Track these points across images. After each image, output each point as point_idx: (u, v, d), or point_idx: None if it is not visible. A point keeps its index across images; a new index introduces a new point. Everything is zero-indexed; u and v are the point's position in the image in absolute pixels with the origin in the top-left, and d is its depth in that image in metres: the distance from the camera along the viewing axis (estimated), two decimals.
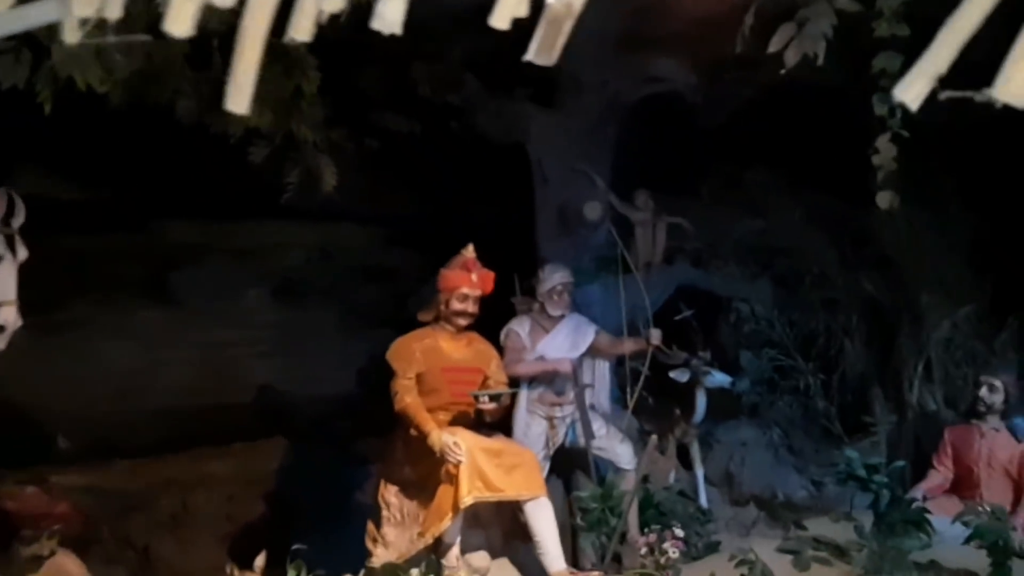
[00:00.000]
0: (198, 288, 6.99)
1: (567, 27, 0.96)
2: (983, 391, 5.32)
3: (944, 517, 4.66)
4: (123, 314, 6.77)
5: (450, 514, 3.97)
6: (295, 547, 3.92)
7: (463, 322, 4.39)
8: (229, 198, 6.18)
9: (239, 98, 1.03)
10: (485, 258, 4.51)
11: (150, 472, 6.23)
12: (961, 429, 5.45)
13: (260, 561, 4.07)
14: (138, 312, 6.87)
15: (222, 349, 6.94)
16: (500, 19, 0.99)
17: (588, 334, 5.24)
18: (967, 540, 4.22)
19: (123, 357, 6.64)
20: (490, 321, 4.90)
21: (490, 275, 4.45)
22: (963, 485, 5.33)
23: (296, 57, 4.34)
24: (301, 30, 1.03)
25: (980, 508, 4.39)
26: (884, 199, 3.32)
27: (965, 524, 4.25)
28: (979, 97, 0.91)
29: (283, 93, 4.38)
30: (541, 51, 0.97)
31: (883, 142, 3.11)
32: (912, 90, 0.92)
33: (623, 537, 4.73)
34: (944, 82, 1.00)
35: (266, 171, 4.79)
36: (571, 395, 5.10)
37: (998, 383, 5.29)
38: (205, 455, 6.40)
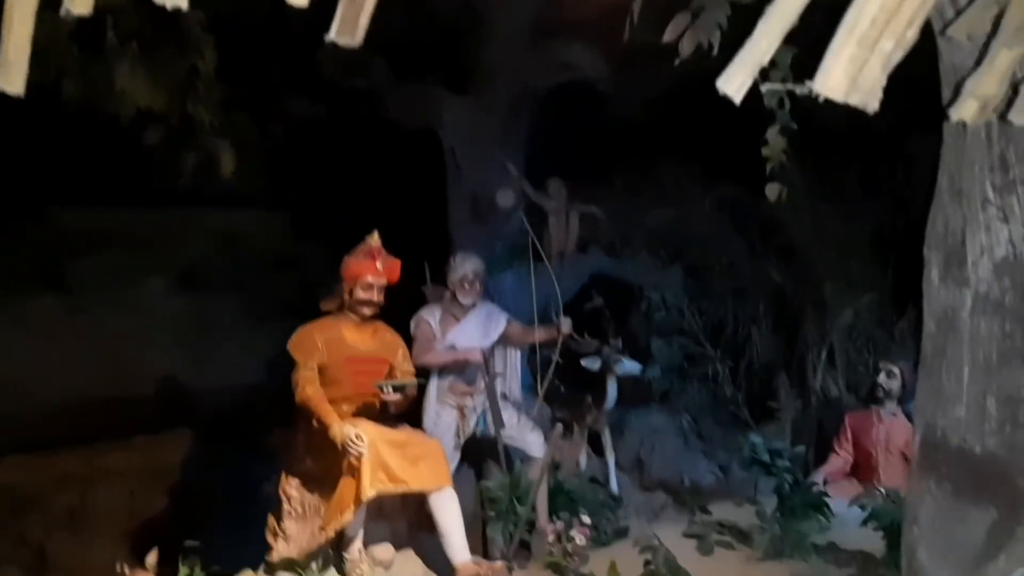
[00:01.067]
0: (96, 277, 6.76)
1: (369, 5, 0.89)
2: (881, 377, 5.46)
3: (843, 500, 4.79)
4: (16, 304, 6.49)
5: (352, 507, 3.88)
6: (187, 543, 3.79)
7: (368, 311, 4.28)
8: (127, 184, 5.95)
9: (11, 76, 0.95)
10: (395, 246, 4.41)
11: (45, 468, 5.98)
12: (860, 414, 5.59)
13: (152, 558, 3.93)
14: (33, 302, 6.60)
15: (122, 340, 6.72)
16: None
17: (499, 323, 5.20)
18: (864, 522, 4.32)
19: (17, 349, 6.35)
20: (401, 310, 4.82)
21: (396, 263, 4.35)
22: (862, 469, 5.48)
23: (192, 36, 4.19)
24: (79, 2, 0.96)
25: (877, 491, 4.51)
26: (773, 191, 3.36)
27: (862, 507, 4.36)
28: (800, 89, 0.89)
29: (178, 73, 4.22)
30: (343, 30, 0.91)
31: (772, 134, 3.15)
32: (734, 81, 0.90)
33: (532, 526, 4.73)
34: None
35: (164, 155, 4.62)
36: (482, 384, 5.06)
37: (896, 369, 5.44)
38: (105, 449, 6.18)
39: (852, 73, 1.00)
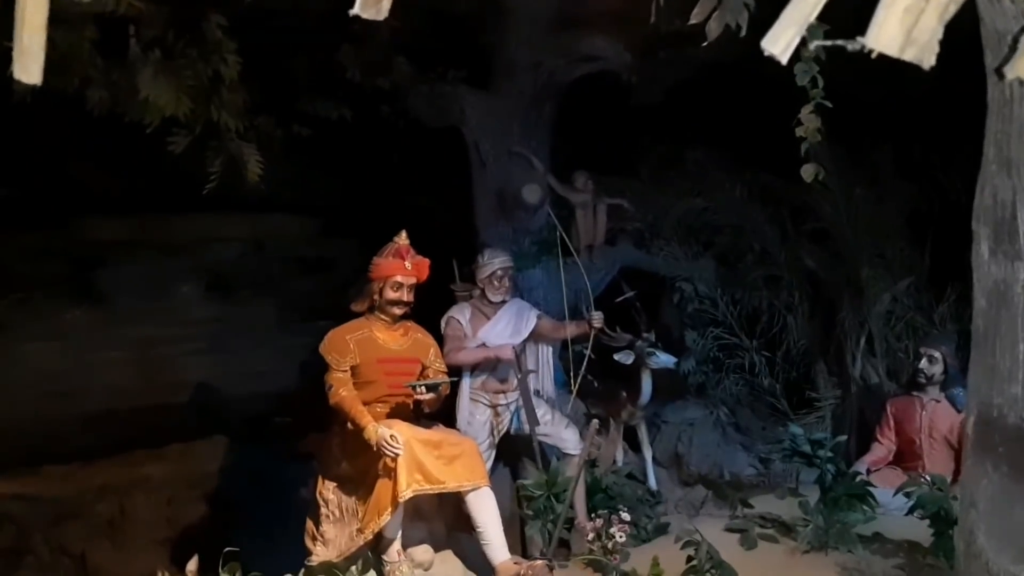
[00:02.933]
0: (126, 286, 6.78)
1: None
2: (923, 363, 5.35)
3: (888, 489, 4.69)
4: (48, 315, 6.55)
5: (389, 509, 3.85)
6: (227, 549, 3.77)
7: (398, 311, 4.26)
8: (154, 191, 5.98)
9: (30, 66, 0.92)
10: (422, 245, 4.38)
11: (84, 477, 6.05)
12: (902, 401, 5.48)
13: (192, 565, 3.93)
14: (64, 313, 6.64)
15: (154, 348, 6.74)
16: None
17: (530, 319, 5.17)
18: (910, 511, 4.24)
19: (50, 360, 6.41)
20: (430, 309, 4.79)
21: (425, 262, 4.32)
22: (906, 456, 5.37)
23: (214, 41, 4.18)
24: None
25: (922, 479, 4.41)
26: (808, 172, 3.28)
27: (907, 495, 4.27)
28: (851, 46, 0.83)
29: (201, 79, 4.21)
30: (367, 4, 0.87)
31: (806, 113, 3.07)
32: (781, 41, 0.84)
33: (570, 523, 4.68)
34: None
35: (189, 162, 4.62)
36: (514, 382, 5.03)
37: (937, 354, 5.32)
38: (141, 458, 6.23)
39: (908, 25, 0.94)
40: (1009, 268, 1.80)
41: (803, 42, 2.83)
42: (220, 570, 3.76)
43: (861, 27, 1.07)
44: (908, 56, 1.00)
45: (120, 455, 6.17)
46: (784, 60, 0.91)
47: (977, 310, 1.92)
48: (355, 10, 0.95)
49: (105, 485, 6.04)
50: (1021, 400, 1.78)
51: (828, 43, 0.93)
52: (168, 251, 7.01)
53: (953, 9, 1.07)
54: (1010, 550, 1.77)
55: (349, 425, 4.04)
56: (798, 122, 3.07)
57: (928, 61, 1.03)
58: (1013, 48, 1.49)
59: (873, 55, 0.92)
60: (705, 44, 2.77)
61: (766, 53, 0.90)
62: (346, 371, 4.14)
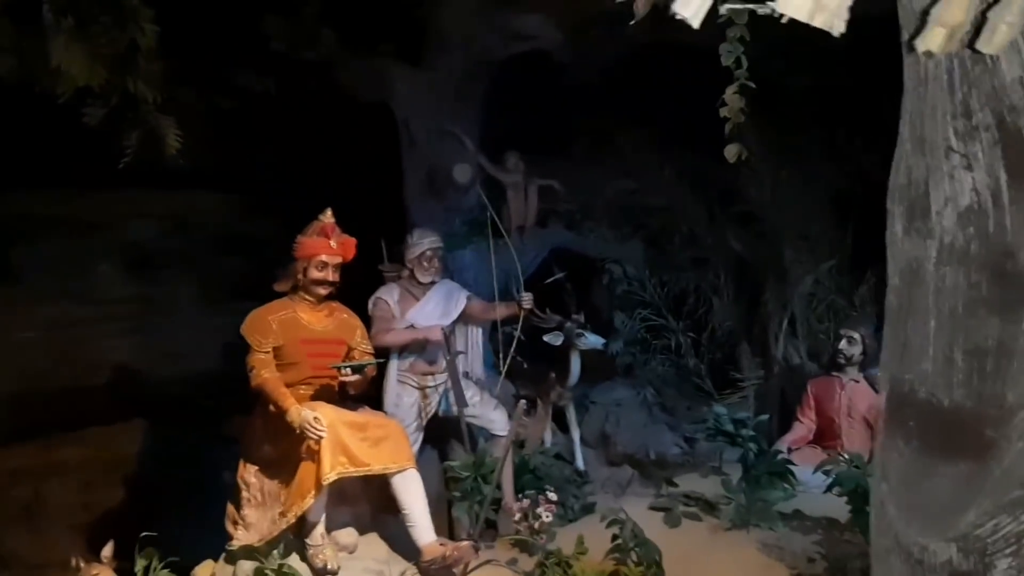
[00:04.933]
0: (41, 264, 6.55)
1: None
2: (843, 344, 5.48)
3: (807, 467, 4.79)
4: None
5: (313, 491, 3.79)
6: (144, 534, 3.67)
7: (323, 291, 4.18)
8: (69, 166, 5.74)
9: None
10: (350, 223, 4.30)
11: None
12: (823, 381, 5.60)
13: (108, 551, 3.84)
14: None
15: (72, 328, 6.53)
16: None
17: (460, 300, 5.13)
18: (828, 488, 4.33)
19: None
20: (358, 290, 4.71)
21: (351, 241, 4.24)
22: (826, 436, 5.50)
23: (130, 7, 4.02)
24: None
25: (840, 457, 4.52)
26: (731, 151, 3.31)
27: (826, 473, 4.37)
28: (761, 10, 0.81)
29: (117, 48, 4.05)
30: None
31: (730, 94, 3.09)
32: (692, 4, 0.82)
33: (498, 504, 4.67)
34: None
35: (106, 135, 4.45)
36: (443, 363, 4.99)
37: (857, 336, 5.45)
38: (58, 442, 6.08)
39: None
40: (922, 245, 1.83)
41: (729, 21, 2.85)
42: (136, 555, 3.66)
43: None
44: (818, 22, 0.99)
45: (36, 439, 6.00)
46: (696, 24, 0.88)
47: (891, 287, 1.95)
48: None
49: (20, 469, 5.88)
50: (931, 376, 1.82)
51: (740, 6, 0.91)
52: (85, 228, 6.80)
53: None
54: (918, 522, 1.81)
55: (272, 407, 3.96)
56: (722, 102, 3.09)
57: (838, 28, 1.02)
58: (923, 21, 1.50)
59: (784, 19, 0.90)
60: (633, 23, 2.75)
61: (677, 16, 0.88)
62: (268, 352, 4.05)
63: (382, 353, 4.65)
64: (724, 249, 6.39)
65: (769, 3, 0.87)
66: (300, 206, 4.57)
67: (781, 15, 0.94)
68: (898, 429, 1.88)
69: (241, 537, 4.03)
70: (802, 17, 0.93)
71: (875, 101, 5.51)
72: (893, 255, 1.93)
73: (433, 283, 5.09)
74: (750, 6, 0.91)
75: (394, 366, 5.03)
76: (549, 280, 5.55)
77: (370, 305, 4.99)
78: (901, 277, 1.88)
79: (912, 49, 1.51)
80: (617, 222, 6.57)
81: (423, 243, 5.05)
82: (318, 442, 3.76)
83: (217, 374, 6.48)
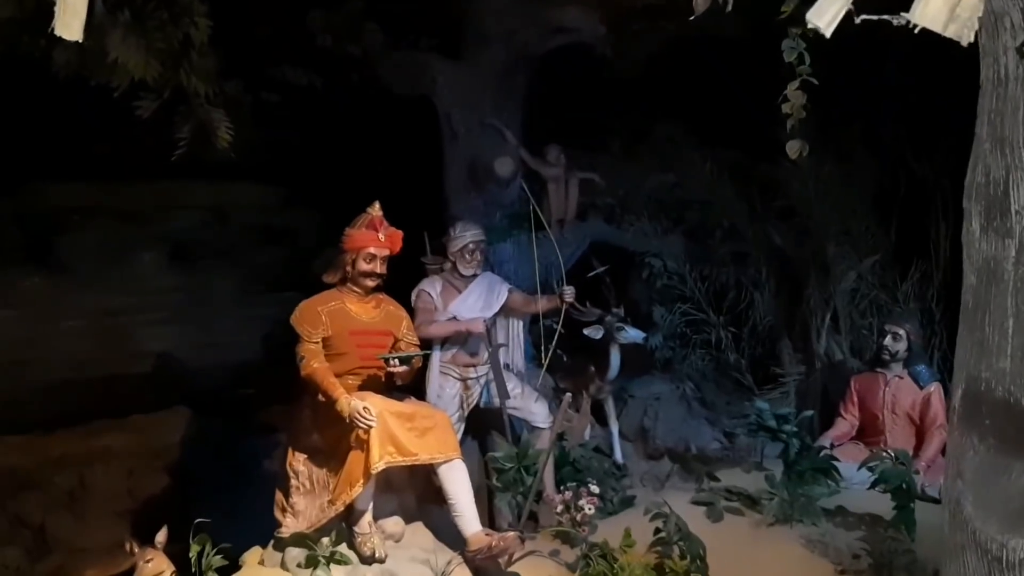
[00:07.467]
0: (86, 253, 6.63)
1: None
2: (887, 340, 5.44)
3: (851, 463, 4.79)
4: (5, 283, 6.39)
5: (361, 480, 3.82)
6: (198, 520, 3.72)
7: (370, 283, 4.20)
8: (116, 157, 5.81)
9: (71, 23, 0.88)
10: (393, 216, 4.32)
11: (43, 448, 5.94)
12: (866, 377, 5.57)
13: (161, 536, 3.90)
14: (20, 280, 6.47)
15: (114, 317, 6.61)
16: None
17: (501, 293, 5.15)
18: (872, 485, 4.33)
19: (7, 329, 6.26)
20: (400, 282, 4.74)
21: (398, 234, 4.27)
22: (868, 432, 5.47)
23: (184, 3, 4.07)
24: None
25: (884, 453, 4.50)
26: (793, 148, 3.28)
27: (870, 470, 4.36)
28: (896, 20, 0.82)
29: (171, 42, 4.10)
30: None
31: (792, 90, 3.07)
32: (827, 14, 0.82)
33: (539, 496, 4.70)
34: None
35: (156, 127, 4.50)
36: (485, 355, 5.02)
37: (901, 331, 5.42)
38: (101, 429, 6.14)
39: (952, 2, 0.93)
40: (1000, 245, 1.82)
41: (790, 19, 2.83)
42: (191, 541, 3.72)
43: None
44: (950, 32, 0.99)
45: (80, 425, 6.07)
46: (828, 33, 0.89)
47: (967, 286, 1.94)
48: None
49: (64, 456, 5.94)
50: (1008, 374, 1.81)
51: (875, 17, 0.92)
52: (129, 218, 6.86)
53: None
54: (996, 519, 1.81)
55: (321, 397, 3.99)
56: (784, 99, 3.07)
57: (967, 38, 1.02)
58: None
59: (916, 30, 0.91)
60: (693, 18, 2.75)
61: (810, 25, 0.88)
62: (318, 343, 4.08)
63: (425, 344, 4.68)
64: (765, 244, 6.34)
65: (904, 15, 0.87)
66: (339, 199, 4.61)
67: (915, 26, 0.95)
68: (973, 427, 1.87)
69: (290, 524, 4.07)
70: (936, 28, 0.93)
71: (921, 98, 5.49)
72: (970, 254, 1.92)
73: (475, 276, 5.11)
74: (886, 17, 0.91)
75: (436, 357, 5.05)
76: (592, 273, 5.55)
77: (413, 297, 5.02)
78: (978, 276, 1.87)
79: (1021, 54, 1.50)
80: (657, 216, 6.55)
81: (466, 236, 5.07)
82: (367, 431, 3.79)
83: (257, 364, 6.56)
